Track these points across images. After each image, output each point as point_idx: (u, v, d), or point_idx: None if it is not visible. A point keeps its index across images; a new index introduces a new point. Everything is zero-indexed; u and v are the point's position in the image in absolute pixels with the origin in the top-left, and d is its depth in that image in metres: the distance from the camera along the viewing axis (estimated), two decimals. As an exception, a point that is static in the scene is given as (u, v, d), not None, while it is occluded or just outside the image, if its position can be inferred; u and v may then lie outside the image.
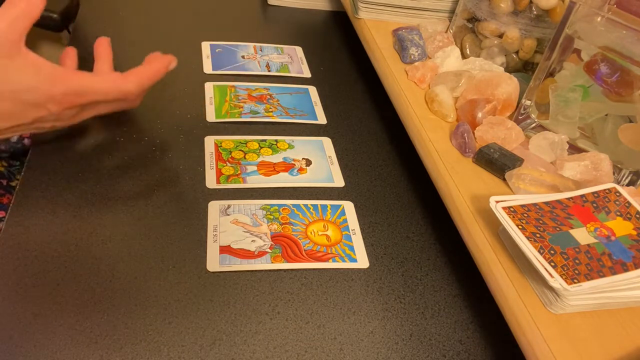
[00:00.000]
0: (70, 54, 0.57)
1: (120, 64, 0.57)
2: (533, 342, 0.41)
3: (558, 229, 0.45)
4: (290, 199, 0.61)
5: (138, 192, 0.58)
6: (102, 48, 0.58)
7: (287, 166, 0.65)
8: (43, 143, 0.61)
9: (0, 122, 0.48)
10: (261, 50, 0.85)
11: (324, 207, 0.61)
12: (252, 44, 0.86)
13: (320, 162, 0.67)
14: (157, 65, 0.56)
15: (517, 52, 0.70)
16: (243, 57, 0.83)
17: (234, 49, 0.84)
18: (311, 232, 0.57)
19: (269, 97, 0.75)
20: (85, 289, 0.48)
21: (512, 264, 0.46)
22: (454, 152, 0.58)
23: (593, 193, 0.48)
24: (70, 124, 0.53)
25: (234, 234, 0.55)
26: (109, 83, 0.52)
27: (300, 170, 0.65)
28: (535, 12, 0.66)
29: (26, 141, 0.74)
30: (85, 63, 0.57)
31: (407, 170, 0.69)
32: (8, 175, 0.74)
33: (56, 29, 0.80)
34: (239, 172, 0.63)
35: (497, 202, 0.46)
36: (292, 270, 0.53)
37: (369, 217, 0.61)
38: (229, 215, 0.57)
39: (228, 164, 0.63)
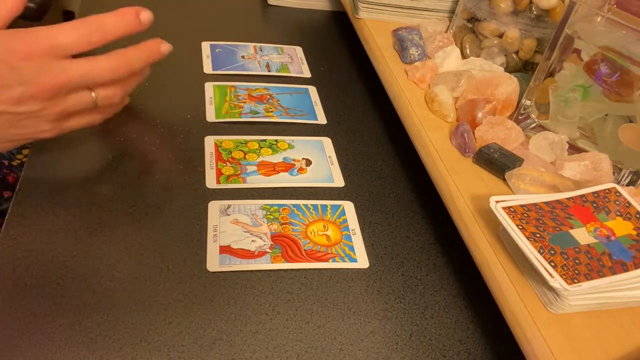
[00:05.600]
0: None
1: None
2: (533, 342, 0.41)
3: (558, 229, 0.45)
4: (290, 199, 0.61)
5: (138, 192, 0.58)
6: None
7: (287, 166, 0.65)
8: (43, 142, 0.61)
9: None
10: (261, 50, 0.85)
11: (324, 207, 0.61)
12: (252, 44, 0.86)
13: (320, 162, 0.67)
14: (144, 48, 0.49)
15: (517, 52, 0.70)
16: (243, 57, 0.83)
17: (233, 49, 0.84)
18: (311, 232, 0.57)
19: (269, 97, 0.75)
20: (85, 289, 0.48)
21: (512, 264, 0.46)
22: (454, 152, 0.58)
23: (593, 193, 0.48)
24: (56, 130, 0.48)
25: (234, 234, 0.55)
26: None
27: (300, 170, 0.65)
28: (535, 12, 0.66)
29: None
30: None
31: (407, 170, 0.69)
32: (9, 156, 0.75)
33: (34, 18, 0.80)
34: (239, 172, 0.63)
35: (497, 202, 0.46)
36: (292, 270, 0.53)
37: (369, 217, 0.61)
38: (229, 215, 0.57)
39: (228, 164, 0.63)
